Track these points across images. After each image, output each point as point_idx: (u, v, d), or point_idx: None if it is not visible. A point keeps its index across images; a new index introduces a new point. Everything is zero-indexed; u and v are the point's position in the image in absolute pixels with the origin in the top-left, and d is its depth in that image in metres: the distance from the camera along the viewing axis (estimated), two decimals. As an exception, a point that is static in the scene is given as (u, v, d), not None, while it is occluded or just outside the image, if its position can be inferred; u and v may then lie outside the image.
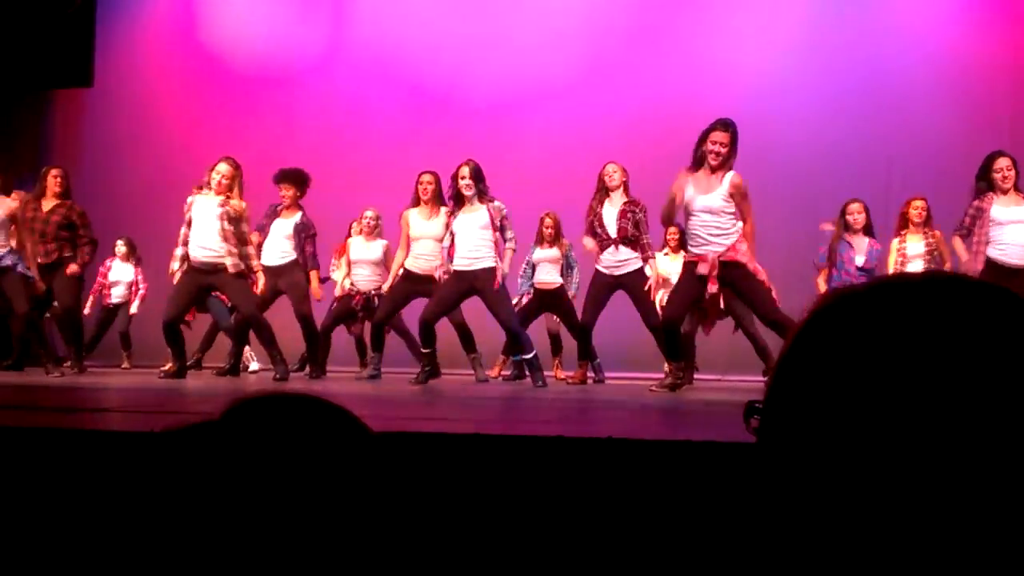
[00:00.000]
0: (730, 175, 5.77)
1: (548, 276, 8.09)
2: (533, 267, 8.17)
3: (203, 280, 6.80)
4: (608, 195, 7.07)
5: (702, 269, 5.74)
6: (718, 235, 5.77)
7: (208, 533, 0.71)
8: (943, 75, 9.42)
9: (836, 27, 9.77)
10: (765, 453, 0.73)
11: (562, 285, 8.09)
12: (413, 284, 7.17)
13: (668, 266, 8.82)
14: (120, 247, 9.82)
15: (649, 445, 1.89)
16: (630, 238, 6.97)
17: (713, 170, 5.76)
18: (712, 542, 1.68)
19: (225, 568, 0.71)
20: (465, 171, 6.65)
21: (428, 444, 1.99)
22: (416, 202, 7.22)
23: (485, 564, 1.68)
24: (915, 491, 0.65)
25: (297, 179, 7.74)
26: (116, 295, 9.83)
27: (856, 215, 7.03)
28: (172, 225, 7.12)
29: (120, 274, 9.87)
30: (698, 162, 5.81)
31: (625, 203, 7.04)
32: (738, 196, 5.77)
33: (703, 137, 5.81)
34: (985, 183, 6.60)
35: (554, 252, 8.10)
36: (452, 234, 6.75)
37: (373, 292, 8.08)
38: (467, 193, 6.63)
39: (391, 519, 0.76)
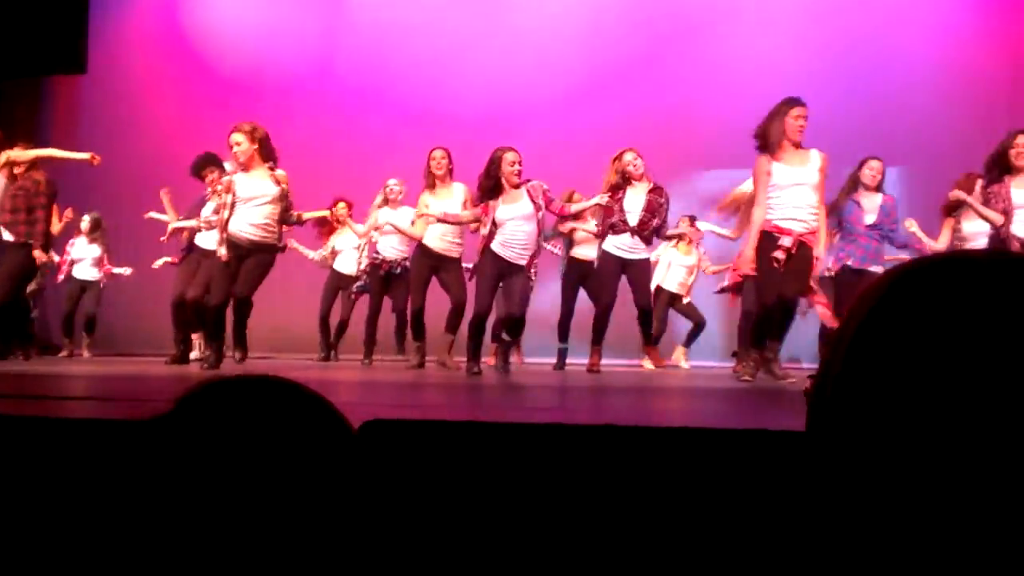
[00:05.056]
0: (817, 152, 5.57)
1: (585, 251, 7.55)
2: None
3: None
4: (631, 184, 6.84)
5: (785, 242, 5.43)
6: (814, 211, 5.55)
7: (167, 524, 0.66)
8: (946, 74, 9.42)
9: (843, 25, 9.74)
10: (821, 435, 0.71)
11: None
12: (433, 262, 7.01)
13: (678, 258, 8.72)
14: (84, 223, 9.53)
15: (649, 432, 1.84)
16: (645, 233, 6.82)
17: (798, 145, 5.53)
18: (718, 534, 1.63)
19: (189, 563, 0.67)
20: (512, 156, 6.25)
21: (419, 432, 1.93)
22: (431, 183, 7.02)
23: (475, 558, 1.62)
24: (963, 475, 0.64)
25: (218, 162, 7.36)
26: (81, 273, 9.60)
27: (876, 172, 6.74)
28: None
29: (83, 251, 9.62)
30: (774, 140, 5.50)
31: (651, 192, 6.84)
32: (823, 175, 5.57)
33: (780, 113, 5.51)
34: None
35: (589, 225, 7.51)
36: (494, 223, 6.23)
37: (400, 260, 7.80)
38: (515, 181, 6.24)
39: (368, 510, 0.71)
